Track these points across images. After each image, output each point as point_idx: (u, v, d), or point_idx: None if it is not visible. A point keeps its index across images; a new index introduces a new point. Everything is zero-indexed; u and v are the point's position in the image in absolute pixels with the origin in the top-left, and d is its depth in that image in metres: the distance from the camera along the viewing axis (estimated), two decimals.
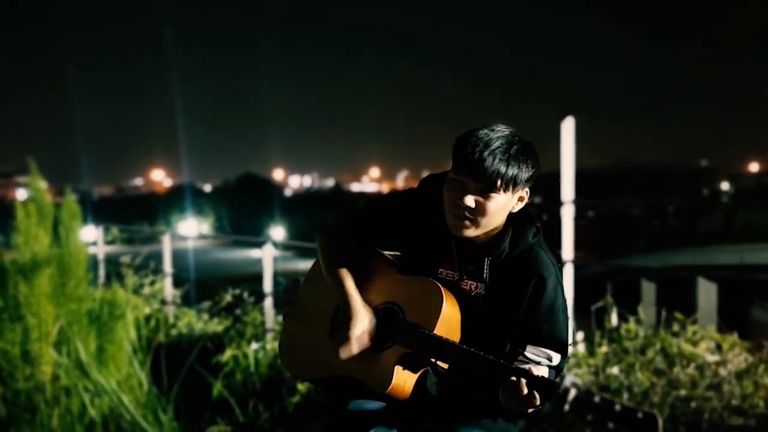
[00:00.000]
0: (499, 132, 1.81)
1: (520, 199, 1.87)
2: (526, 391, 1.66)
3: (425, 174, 2.10)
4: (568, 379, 1.62)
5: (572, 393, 1.60)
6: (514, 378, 1.68)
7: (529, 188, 1.88)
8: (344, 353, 1.93)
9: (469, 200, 1.81)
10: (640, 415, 1.54)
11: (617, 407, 1.56)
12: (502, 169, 1.77)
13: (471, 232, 1.86)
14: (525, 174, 1.82)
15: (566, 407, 1.60)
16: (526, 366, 1.76)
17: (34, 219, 5.17)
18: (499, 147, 1.78)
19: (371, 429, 1.91)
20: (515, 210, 1.89)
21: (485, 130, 1.81)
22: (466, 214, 1.82)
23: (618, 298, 4.45)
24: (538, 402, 1.66)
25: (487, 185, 1.79)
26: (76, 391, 4.80)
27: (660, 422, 1.52)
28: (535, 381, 1.66)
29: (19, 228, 5.18)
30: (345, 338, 1.93)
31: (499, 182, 1.78)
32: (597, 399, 1.58)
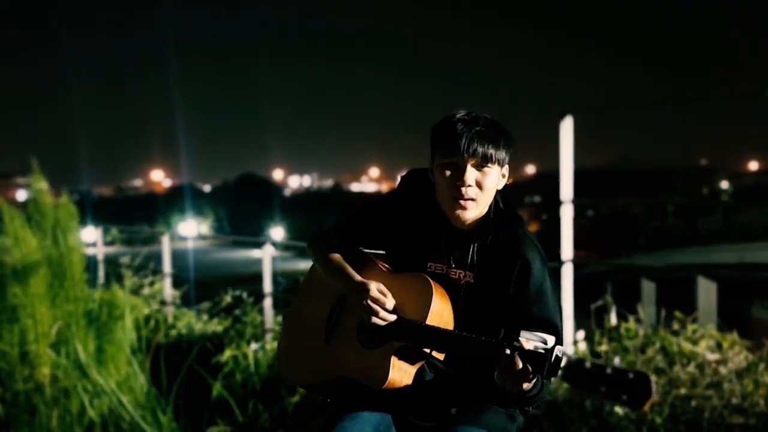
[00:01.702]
0: (476, 114, 1.92)
1: (503, 176, 1.96)
2: (520, 365, 1.68)
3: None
4: (558, 350, 1.64)
5: (563, 361, 1.62)
6: (507, 352, 1.71)
7: (508, 166, 1.97)
8: (378, 314, 1.89)
9: (470, 178, 1.88)
10: (631, 375, 1.55)
11: (608, 370, 1.57)
12: (493, 143, 1.88)
13: (473, 213, 1.92)
14: (510, 148, 1.93)
15: (559, 373, 1.62)
16: (514, 344, 1.77)
17: (19, 221, 5.16)
18: (483, 124, 1.89)
19: (370, 427, 1.91)
20: (500, 187, 1.96)
21: (461, 115, 1.91)
22: (468, 193, 1.88)
23: (618, 298, 4.44)
24: (531, 374, 1.68)
25: (483, 160, 1.88)
26: (75, 391, 4.79)
27: (653, 381, 1.53)
28: (526, 354, 1.69)
29: (7, 230, 5.17)
30: (367, 304, 1.89)
31: (492, 156, 1.88)
32: (588, 365, 1.59)
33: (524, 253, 1.91)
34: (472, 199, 1.89)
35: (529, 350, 1.69)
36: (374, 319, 1.90)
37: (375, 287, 1.92)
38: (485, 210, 1.95)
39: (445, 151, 1.89)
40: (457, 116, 1.90)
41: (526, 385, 1.72)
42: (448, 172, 1.89)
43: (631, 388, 1.55)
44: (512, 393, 1.75)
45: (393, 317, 1.91)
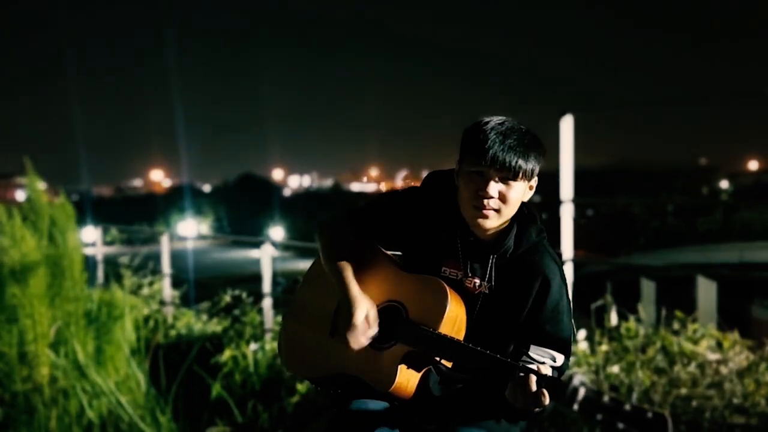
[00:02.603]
0: (510, 123, 1.86)
1: (530, 188, 1.91)
2: (534, 388, 1.65)
3: (425, 174, 2.08)
4: (577, 379, 1.60)
5: (581, 393, 1.58)
6: (522, 374, 1.67)
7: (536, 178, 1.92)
8: (353, 341, 1.88)
9: (493, 190, 1.83)
10: (649, 415, 1.52)
11: (626, 407, 1.54)
12: (523, 158, 1.82)
13: (493, 223, 1.87)
14: (539, 163, 1.87)
15: (575, 407, 1.58)
16: (532, 366, 1.74)
17: (19, 220, 5.15)
18: (516, 138, 1.83)
19: (373, 429, 1.89)
20: (525, 199, 1.91)
21: (495, 122, 1.85)
22: (490, 204, 1.84)
23: (618, 297, 4.43)
24: (546, 400, 1.64)
25: (510, 174, 1.82)
26: (74, 392, 4.77)
27: (670, 422, 1.51)
28: (543, 379, 1.65)
29: (4, 230, 5.16)
30: (350, 326, 1.88)
31: (521, 171, 1.82)
32: (606, 399, 1.56)
33: (544, 270, 1.88)
34: (495, 210, 1.85)
35: (547, 376, 1.65)
36: (348, 336, 1.89)
37: (362, 314, 1.89)
38: (507, 220, 1.91)
39: (472, 159, 1.84)
40: (490, 124, 1.84)
41: (536, 408, 1.67)
42: (472, 181, 1.85)
43: (648, 428, 1.52)
44: (521, 408, 1.71)
45: (364, 344, 1.89)
